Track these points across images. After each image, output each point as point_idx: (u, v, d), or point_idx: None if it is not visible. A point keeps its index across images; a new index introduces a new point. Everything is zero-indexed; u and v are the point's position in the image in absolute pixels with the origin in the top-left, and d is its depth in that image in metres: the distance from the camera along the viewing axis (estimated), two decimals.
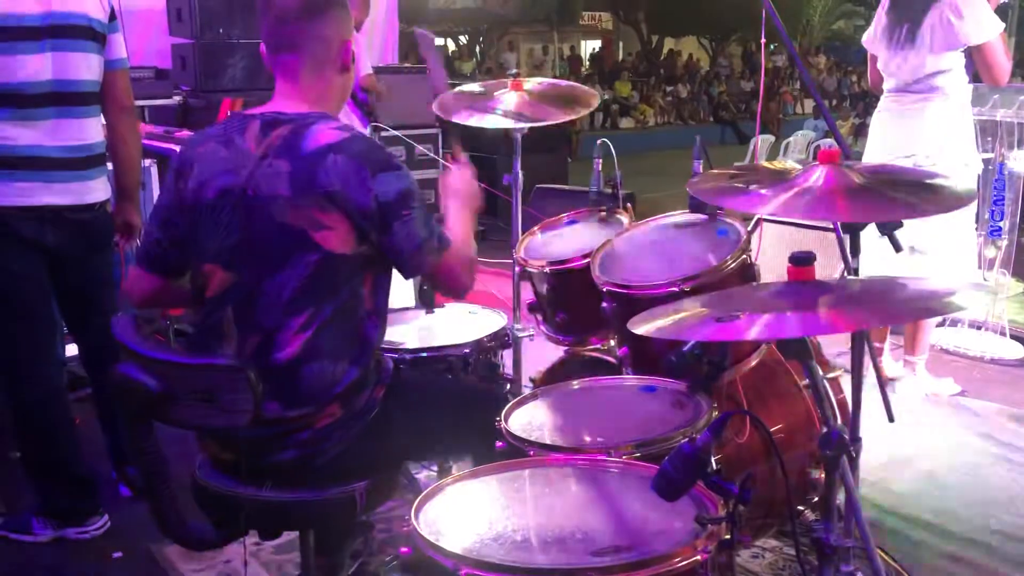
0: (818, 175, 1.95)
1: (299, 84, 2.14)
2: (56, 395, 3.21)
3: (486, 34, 28.37)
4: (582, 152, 14.95)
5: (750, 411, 2.50)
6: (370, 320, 2.16)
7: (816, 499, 2.71)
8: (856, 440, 2.21)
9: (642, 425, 2.23)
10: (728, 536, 1.66)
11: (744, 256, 2.58)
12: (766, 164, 2.52)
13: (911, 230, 4.18)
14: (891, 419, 2.64)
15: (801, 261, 1.72)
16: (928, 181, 2.10)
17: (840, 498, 1.89)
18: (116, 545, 3.19)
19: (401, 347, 2.83)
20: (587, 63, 28.07)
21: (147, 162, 4.62)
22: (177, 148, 2.90)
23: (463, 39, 28.73)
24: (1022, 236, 5.05)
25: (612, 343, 2.91)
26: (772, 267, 4.93)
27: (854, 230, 2.24)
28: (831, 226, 2.91)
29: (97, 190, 3.14)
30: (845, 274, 2.37)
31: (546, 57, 27.19)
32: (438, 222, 2.20)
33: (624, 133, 21.31)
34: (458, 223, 2.32)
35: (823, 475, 1.99)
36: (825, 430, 1.73)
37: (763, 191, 2.01)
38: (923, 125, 4.15)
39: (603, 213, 3.27)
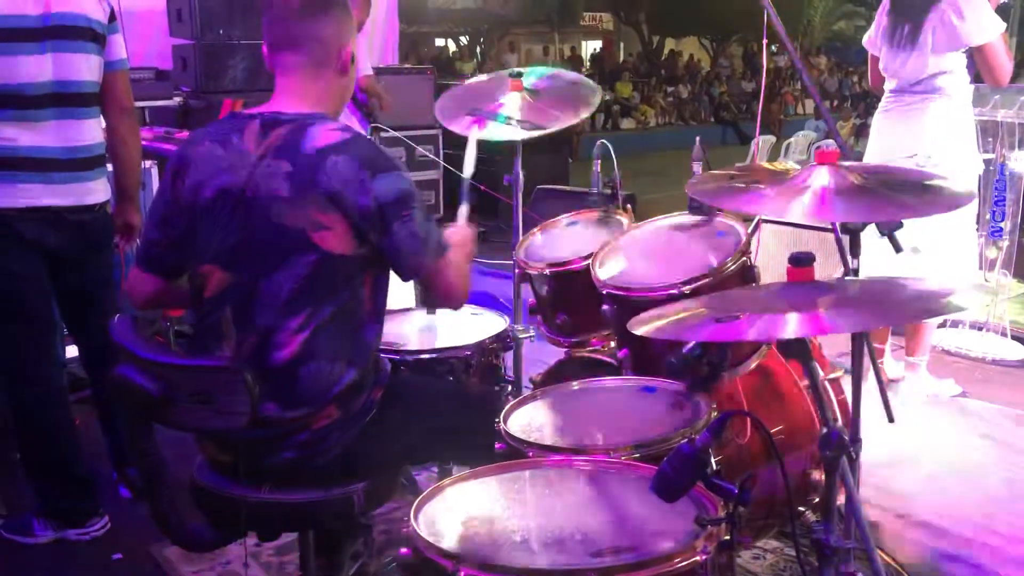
0: (817, 176, 1.95)
1: (298, 84, 2.14)
2: (56, 396, 3.21)
3: (487, 35, 28.37)
4: (583, 153, 14.95)
5: (750, 412, 2.49)
6: (369, 322, 2.15)
7: (817, 500, 2.71)
8: (856, 441, 2.21)
9: (642, 426, 2.22)
10: (728, 537, 1.65)
11: (744, 257, 2.58)
12: (765, 165, 2.53)
13: (912, 231, 4.18)
14: (891, 420, 2.64)
15: (800, 262, 1.72)
16: (927, 182, 2.10)
17: (840, 499, 1.89)
18: (116, 546, 3.19)
19: (402, 348, 2.83)
20: (588, 64, 28.06)
21: (147, 163, 4.62)
22: None
23: (463, 40, 28.74)
24: (1023, 237, 5.05)
25: (612, 344, 2.91)
26: (772, 268, 4.93)
27: (853, 231, 2.25)
28: (831, 227, 2.91)
29: (97, 191, 3.14)
30: (845, 275, 2.37)
31: (547, 58, 27.17)
32: (438, 226, 2.20)
33: (625, 134, 21.31)
34: (455, 245, 2.31)
35: (824, 476, 1.99)
36: (825, 431, 1.73)
37: (762, 192, 2.01)
38: (924, 126, 4.15)
39: (603, 214, 3.27)
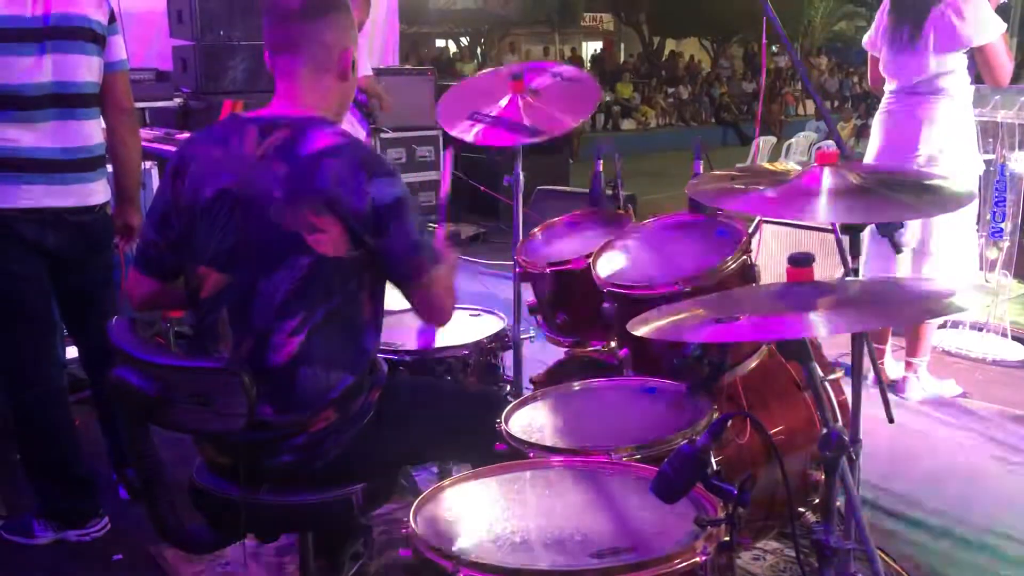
0: (816, 176, 1.95)
1: (298, 87, 2.14)
2: (56, 397, 3.21)
3: (487, 35, 28.38)
4: (584, 153, 14.95)
5: (750, 413, 2.49)
6: (368, 329, 2.15)
7: (817, 501, 2.71)
8: (856, 441, 2.21)
9: (642, 427, 2.22)
10: (728, 538, 1.65)
11: (744, 257, 2.58)
12: (766, 165, 2.53)
13: (913, 231, 4.18)
14: (891, 420, 2.64)
15: (800, 262, 1.72)
16: (927, 182, 2.10)
17: (840, 500, 1.88)
18: (116, 547, 3.18)
19: (401, 348, 2.83)
20: (588, 64, 28.07)
21: (147, 164, 4.62)
22: None
23: (464, 40, 28.75)
24: (1023, 238, 5.04)
25: (612, 344, 2.91)
26: (772, 268, 4.93)
27: (853, 231, 2.24)
28: (831, 227, 2.91)
29: (97, 192, 3.14)
30: (845, 275, 2.37)
31: (547, 58, 27.18)
32: (431, 236, 2.19)
33: (625, 134, 21.32)
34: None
35: (824, 476, 1.99)
36: (825, 431, 1.73)
37: (762, 192, 2.01)
38: (925, 126, 4.15)
39: (603, 215, 3.27)
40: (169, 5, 6.67)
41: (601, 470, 1.97)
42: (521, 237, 3.31)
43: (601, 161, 3.29)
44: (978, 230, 4.63)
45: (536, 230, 3.32)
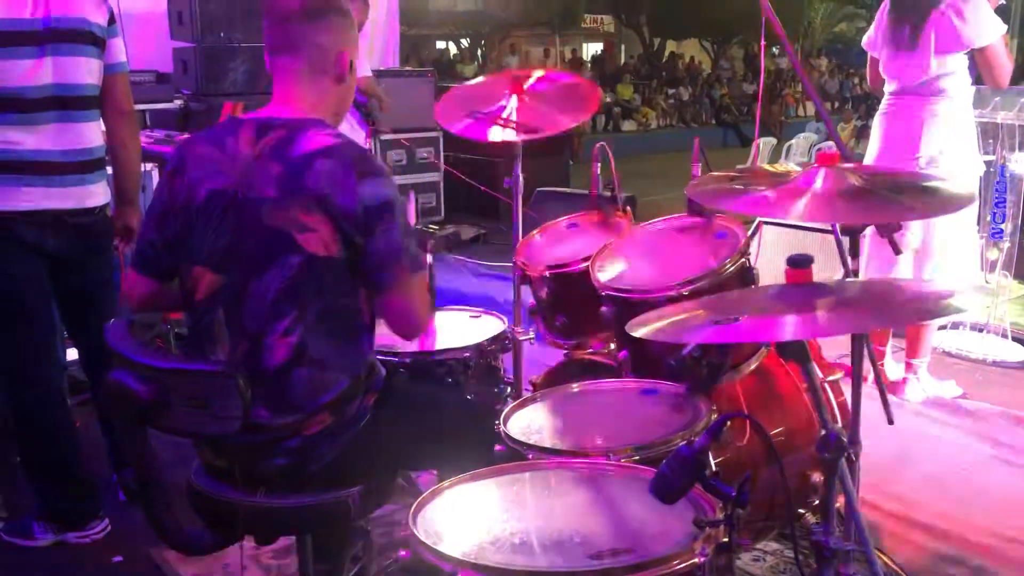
0: (816, 178, 1.95)
1: (295, 89, 2.14)
2: (56, 398, 3.21)
3: (488, 37, 28.39)
4: (584, 155, 14.96)
5: (749, 414, 2.49)
6: (364, 332, 2.15)
7: (817, 502, 2.71)
8: (855, 443, 2.21)
9: (641, 428, 2.23)
10: (726, 539, 1.65)
11: (743, 259, 2.59)
12: (765, 167, 2.53)
13: (913, 232, 4.18)
14: (890, 421, 2.64)
15: (799, 264, 1.72)
16: (927, 183, 2.10)
17: (840, 501, 1.88)
18: (116, 549, 3.18)
19: (401, 351, 2.83)
20: (589, 66, 28.08)
21: (147, 166, 4.62)
22: None
23: (464, 42, 28.75)
24: (1023, 238, 5.04)
25: (612, 346, 2.91)
26: (772, 269, 4.92)
27: (853, 232, 2.24)
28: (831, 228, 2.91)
29: (97, 194, 3.14)
30: (845, 276, 2.37)
31: (548, 60, 27.19)
32: (416, 243, 2.18)
33: (626, 135, 21.34)
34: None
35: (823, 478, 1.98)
36: (823, 433, 1.73)
37: (762, 194, 2.01)
38: (925, 127, 4.14)
39: (602, 216, 3.27)
40: (169, 7, 6.68)
41: (600, 471, 1.97)
42: (521, 239, 3.31)
43: (599, 163, 3.29)
44: (978, 231, 4.62)
45: (536, 232, 3.33)
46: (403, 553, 1.74)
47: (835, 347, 3.45)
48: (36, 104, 2.95)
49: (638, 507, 1.80)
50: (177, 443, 2.17)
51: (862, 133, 13.55)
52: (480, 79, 3.43)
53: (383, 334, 2.25)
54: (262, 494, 2.12)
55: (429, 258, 3.02)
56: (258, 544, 2.45)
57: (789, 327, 1.62)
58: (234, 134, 2.10)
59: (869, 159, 4.38)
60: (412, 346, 2.90)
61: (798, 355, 1.71)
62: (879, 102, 4.41)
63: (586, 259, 2.87)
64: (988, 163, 4.65)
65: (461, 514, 1.82)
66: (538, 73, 3.32)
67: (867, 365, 2.50)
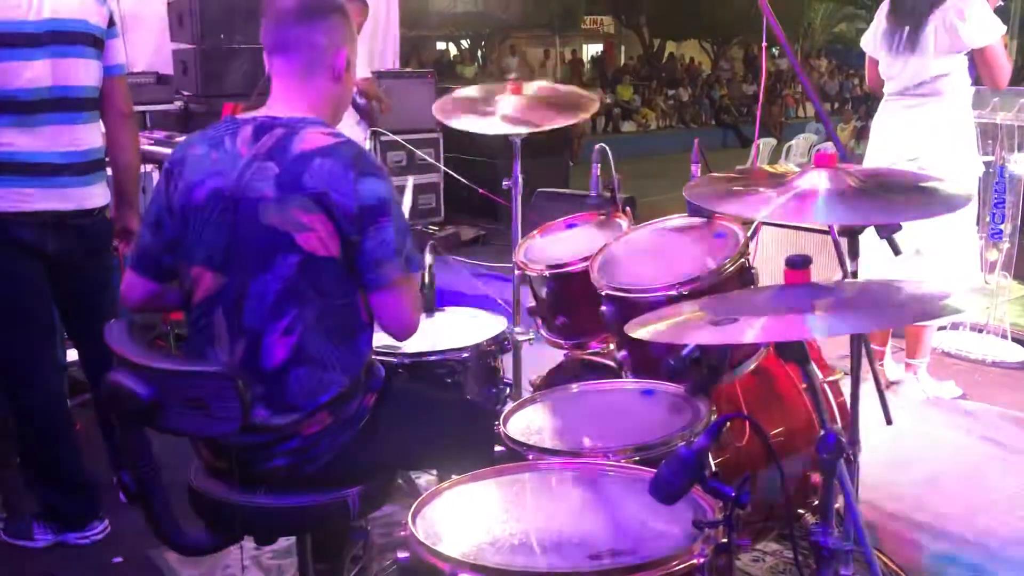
0: (815, 178, 1.95)
1: (292, 89, 2.15)
2: (56, 400, 3.21)
3: (487, 38, 28.39)
4: (584, 156, 14.96)
5: (749, 415, 2.49)
6: (363, 332, 2.15)
7: (817, 502, 2.71)
8: (854, 443, 2.21)
9: (641, 429, 2.23)
10: (725, 539, 1.65)
11: (742, 260, 2.59)
12: (765, 167, 2.52)
13: (913, 233, 4.18)
14: (889, 422, 2.64)
15: (797, 264, 1.72)
16: (925, 184, 2.10)
17: (839, 502, 1.89)
18: (116, 550, 3.19)
19: (400, 351, 2.83)
20: (589, 67, 28.08)
21: (148, 168, 4.63)
22: None
23: (464, 43, 28.75)
24: (1023, 239, 5.04)
25: (612, 346, 2.91)
26: (772, 270, 4.92)
27: (851, 233, 2.24)
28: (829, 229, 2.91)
29: (97, 196, 3.14)
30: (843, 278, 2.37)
31: (547, 61, 27.20)
32: (413, 243, 2.17)
33: (626, 136, 21.34)
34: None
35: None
36: (822, 433, 1.73)
37: (760, 195, 2.01)
38: (925, 128, 4.15)
39: (602, 217, 3.28)
40: (170, 9, 6.68)
41: (600, 472, 1.97)
42: (520, 239, 3.31)
43: (599, 164, 3.29)
44: (978, 232, 4.62)
45: (535, 232, 3.33)
46: (402, 554, 1.73)
47: (834, 347, 3.45)
48: (35, 106, 2.95)
49: (637, 508, 1.80)
50: (177, 444, 2.18)
51: (862, 134, 13.55)
52: (478, 88, 3.44)
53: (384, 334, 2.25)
54: (262, 494, 2.12)
55: (429, 259, 3.02)
56: (258, 545, 2.46)
57: (787, 328, 1.62)
58: (232, 134, 2.11)
59: (869, 160, 4.39)
60: (411, 346, 2.90)
61: (797, 356, 1.72)
62: (879, 103, 4.41)
63: (586, 259, 2.87)
64: (987, 164, 4.65)
65: (460, 515, 1.82)
66: (538, 83, 3.35)
67: (866, 366, 2.50)
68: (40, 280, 3.08)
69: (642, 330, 1.77)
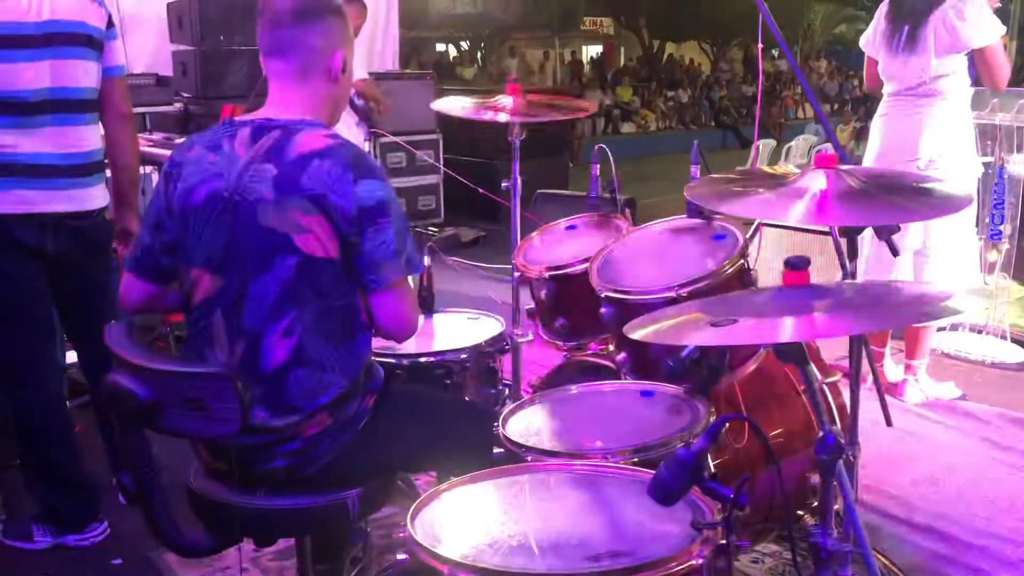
0: (814, 179, 1.95)
1: (288, 91, 2.15)
2: (56, 401, 3.21)
3: (487, 40, 28.38)
4: (584, 157, 14.96)
5: (748, 416, 2.49)
6: (362, 333, 2.15)
7: (816, 503, 2.71)
8: (853, 444, 2.21)
9: (640, 430, 2.23)
10: (724, 541, 1.65)
11: (742, 261, 2.59)
12: (765, 168, 2.53)
13: (913, 234, 4.18)
14: (889, 423, 2.64)
15: (796, 265, 1.71)
16: (925, 185, 2.10)
17: (838, 503, 1.88)
18: (116, 552, 3.19)
19: (398, 352, 2.83)
20: (588, 68, 28.07)
21: (147, 169, 4.63)
22: None
23: (464, 45, 28.75)
24: (1023, 239, 5.04)
25: (611, 348, 2.91)
26: (772, 271, 4.93)
27: (851, 234, 2.24)
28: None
29: (96, 197, 3.14)
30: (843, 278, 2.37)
31: (547, 62, 27.19)
32: (414, 243, 2.17)
33: (625, 138, 21.32)
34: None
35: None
36: (820, 434, 1.73)
37: (760, 196, 2.01)
38: (924, 129, 4.14)
39: (601, 218, 3.28)
40: (169, 10, 6.68)
41: (598, 473, 1.97)
42: (520, 241, 3.31)
43: (599, 165, 3.29)
44: (977, 233, 4.62)
45: (534, 234, 3.33)
46: (401, 556, 1.73)
47: (835, 348, 3.46)
48: (34, 107, 2.95)
49: (636, 509, 1.80)
50: (176, 445, 2.18)
51: (861, 135, 13.54)
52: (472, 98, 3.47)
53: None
54: (261, 496, 2.12)
55: (428, 260, 3.03)
56: (257, 546, 2.45)
57: (786, 329, 1.62)
58: (230, 137, 2.11)
59: (868, 161, 4.39)
60: (411, 348, 2.90)
61: (796, 357, 1.71)
62: (878, 104, 4.41)
63: (585, 261, 2.87)
64: (986, 165, 4.65)
65: (459, 516, 1.82)
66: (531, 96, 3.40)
67: (866, 367, 2.50)
68: (39, 281, 3.08)
69: (641, 331, 1.77)
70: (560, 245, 3.22)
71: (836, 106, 24.26)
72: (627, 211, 3.31)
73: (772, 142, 14.93)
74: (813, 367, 1.78)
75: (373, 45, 8.56)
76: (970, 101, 4.24)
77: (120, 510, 3.34)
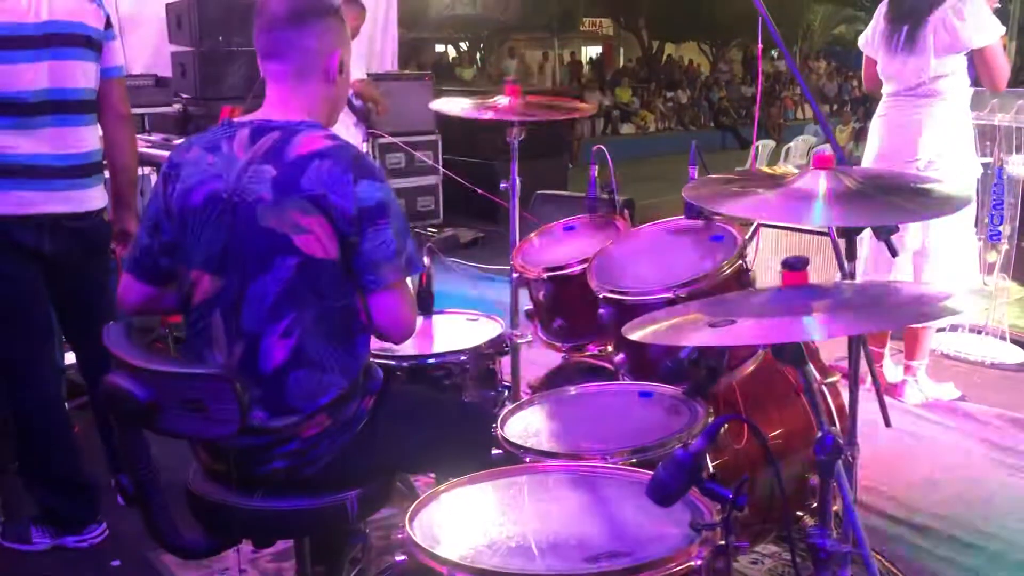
0: (812, 180, 1.95)
1: (286, 92, 2.15)
2: (54, 402, 3.21)
3: (486, 41, 28.40)
4: (583, 158, 14.96)
5: (746, 417, 2.49)
6: (361, 334, 2.15)
7: (815, 504, 2.71)
8: (852, 444, 2.21)
9: (638, 431, 2.23)
10: (723, 542, 1.65)
11: (740, 261, 2.59)
12: (763, 169, 2.53)
13: (912, 234, 4.18)
14: (887, 424, 2.64)
15: (794, 266, 1.71)
16: (923, 185, 2.10)
17: (837, 503, 1.88)
18: (114, 553, 3.18)
19: (397, 353, 2.83)
20: (587, 69, 28.08)
21: (146, 170, 4.62)
22: None
23: (463, 46, 28.76)
24: (1022, 240, 5.04)
25: (609, 349, 2.91)
26: (771, 272, 4.93)
27: (849, 234, 2.24)
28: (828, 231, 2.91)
29: (95, 198, 3.14)
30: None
31: (546, 63, 27.20)
32: (415, 244, 2.17)
33: (625, 139, 21.32)
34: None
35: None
36: (819, 435, 1.73)
37: (758, 196, 2.01)
38: (923, 129, 4.14)
39: (600, 219, 3.27)
40: (168, 11, 6.68)
41: (597, 474, 1.97)
42: (518, 241, 3.31)
43: (597, 166, 3.29)
44: (976, 233, 4.62)
45: (533, 235, 3.33)
46: (400, 557, 1.73)
47: (835, 349, 3.46)
48: (32, 108, 2.95)
49: (635, 510, 1.79)
50: (175, 446, 2.18)
51: (860, 135, 13.54)
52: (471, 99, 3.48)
53: None
54: (260, 497, 2.12)
55: (427, 261, 3.02)
56: (256, 547, 2.45)
57: (785, 329, 1.62)
58: (229, 138, 2.11)
59: (867, 161, 4.39)
60: (410, 349, 2.90)
61: (795, 357, 1.71)
62: (878, 104, 4.41)
63: (584, 262, 2.87)
64: (985, 165, 4.65)
65: (458, 517, 1.82)
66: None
67: (865, 367, 2.50)
68: (38, 282, 3.08)
69: (640, 332, 1.77)
70: (559, 246, 3.22)
71: (835, 107, 24.26)
72: (626, 212, 3.31)
73: (771, 143, 14.93)
74: (811, 368, 1.78)
75: (372, 46, 8.56)
76: (969, 101, 4.24)
77: (119, 511, 3.34)
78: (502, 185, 3.43)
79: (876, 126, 4.39)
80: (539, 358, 3.31)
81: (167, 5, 6.70)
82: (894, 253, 2.33)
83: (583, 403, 2.50)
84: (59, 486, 3.19)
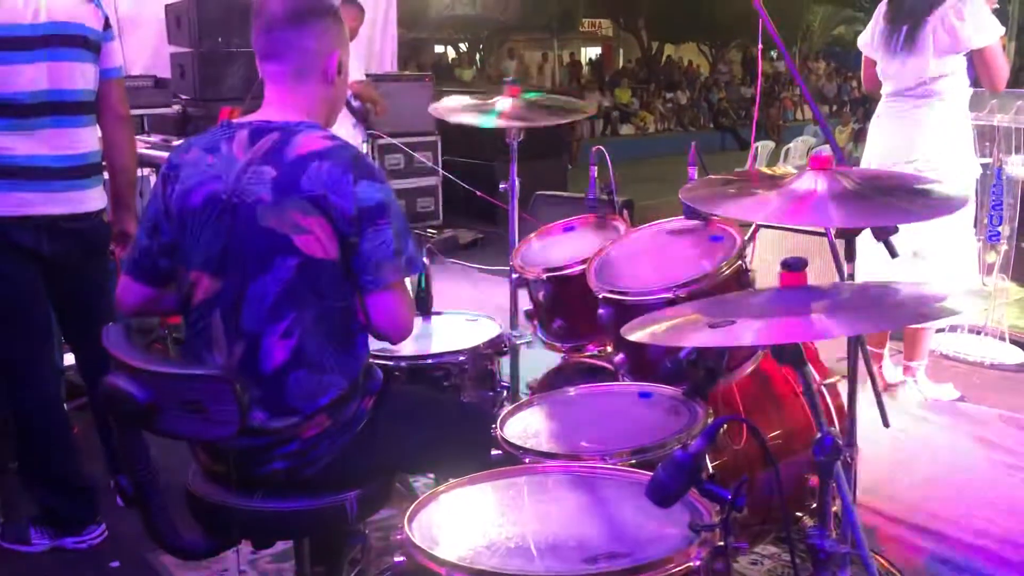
0: (811, 181, 1.95)
1: (284, 93, 2.15)
2: (54, 403, 3.21)
3: (486, 41, 28.41)
4: (582, 159, 14.96)
5: (745, 417, 2.49)
6: (361, 334, 2.15)
7: (815, 505, 2.71)
8: (851, 445, 2.21)
9: (638, 432, 2.22)
10: (722, 542, 1.65)
11: (739, 262, 2.59)
12: (762, 170, 2.53)
13: (911, 235, 4.18)
14: (886, 424, 2.64)
15: (793, 267, 1.71)
16: (921, 186, 2.11)
17: (837, 504, 1.88)
18: (114, 554, 3.18)
19: (396, 354, 2.82)
20: (587, 70, 28.08)
21: (145, 171, 4.62)
22: None
23: (463, 46, 28.77)
24: (1022, 241, 5.04)
25: (609, 349, 2.91)
26: (771, 272, 4.91)
27: (848, 235, 2.24)
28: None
29: (94, 199, 3.14)
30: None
31: (546, 64, 27.21)
32: (415, 244, 2.16)
33: (624, 139, 21.33)
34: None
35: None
36: (818, 436, 1.73)
37: (756, 197, 2.01)
38: (922, 130, 4.14)
39: (600, 220, 3.28)
40: (167, 12, 6.68)
41: (596, 475, 1.97)
42: (518, 242, 3.31)
43: (597, 167, 3.29)
44: (976, 233, 4.62)
45: (532, 235, 3.33)
46: (399, 558, 1.73)
47: (834, 349, 3.46)
48: (31, 109, 2.95)
49: (634, 511, 1.79)
50: (174, 447, 2.18)
51: (860, 136, 13.55)
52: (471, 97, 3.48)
53: None
54: (259, 498, 2.12)
55: (427, 261, 3.02)
56: (255, 548, 2.45)
57: (784, 330, 1.62)
58: (228, 139, 2.11)
59: (866, 162, 4.39)
60: (409, 349, 2.90)
61: (794, 358, 1.71)
62: (877, 105, 4.41)
63: (583, 262, 2.87)
64: (984, 166, 4.65)
65: (457, 518, 1.82)
66: (534, 94, 3.38)
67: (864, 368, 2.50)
68: (37, 283, 3.08)
69: (639, 333, 1.77)
70: (558, 246, 3.22)
71: (835, 107, 24.28)
72: (625, 212, 3.32)
73: (771, 144, 14.93)
74: (811, 368, 1.78)
75: (372, 47, 8.56)
76: (968, 102, 4.24)
77: (118, 512, 3.34)
78: (501, 186, 3.43)
79: (875, 126, 4.39)
80: (538, 359, 3.30)
81: (166, 6, 6.70)
82: (893, 254, 2.33)
83: (582, 404, 2.50)
84: (58, 487, 3.19)
